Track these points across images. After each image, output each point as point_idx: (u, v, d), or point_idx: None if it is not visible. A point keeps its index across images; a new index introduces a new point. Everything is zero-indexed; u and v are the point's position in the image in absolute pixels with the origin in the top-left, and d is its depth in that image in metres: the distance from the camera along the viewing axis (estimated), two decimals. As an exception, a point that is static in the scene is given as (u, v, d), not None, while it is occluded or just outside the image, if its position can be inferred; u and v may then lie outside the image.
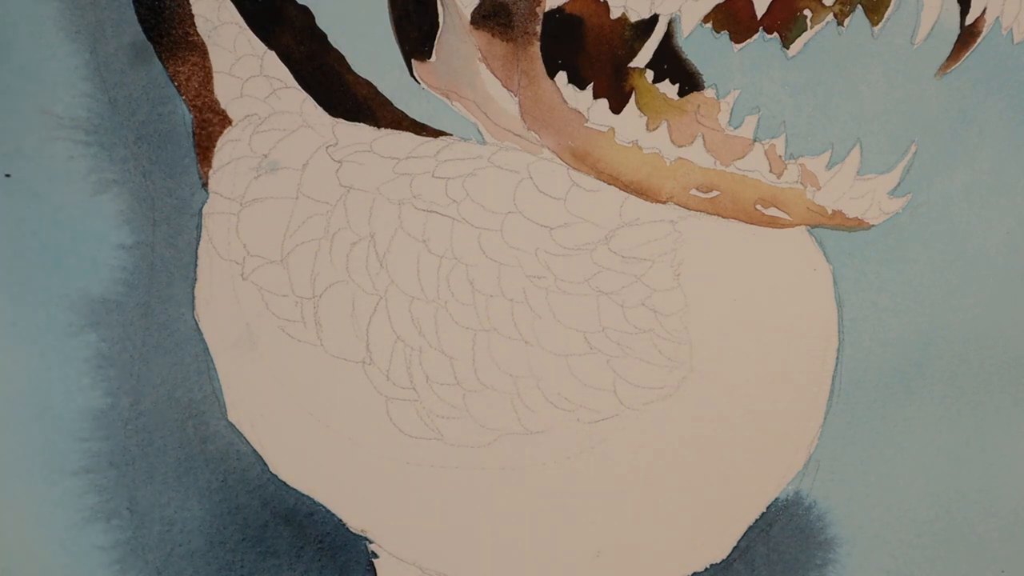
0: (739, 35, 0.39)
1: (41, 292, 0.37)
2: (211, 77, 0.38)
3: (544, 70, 0.39)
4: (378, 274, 0.39)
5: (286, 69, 0.38)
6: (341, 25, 0.38)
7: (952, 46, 0.40)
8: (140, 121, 0.38)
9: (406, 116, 0.39)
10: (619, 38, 0.39)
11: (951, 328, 0.42)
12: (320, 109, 0.38)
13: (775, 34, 0.39)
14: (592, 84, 0.39)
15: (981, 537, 0.41)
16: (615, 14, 0.38)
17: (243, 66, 0.38)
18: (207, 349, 0.38)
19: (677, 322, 0.40)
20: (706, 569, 0.42)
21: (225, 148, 0.38)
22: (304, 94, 0.38)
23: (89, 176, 0.37)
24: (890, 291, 0.42)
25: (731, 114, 0.40)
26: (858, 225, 0.41)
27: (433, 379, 0.39)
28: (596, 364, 0.40)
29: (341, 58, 0.38)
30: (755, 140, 0.40)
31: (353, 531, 0.40)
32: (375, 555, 0.40)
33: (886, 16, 0.40)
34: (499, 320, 0.39)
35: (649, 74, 0.39)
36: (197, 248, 0.38)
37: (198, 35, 0.38)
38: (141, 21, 0.37)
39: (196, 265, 0.38)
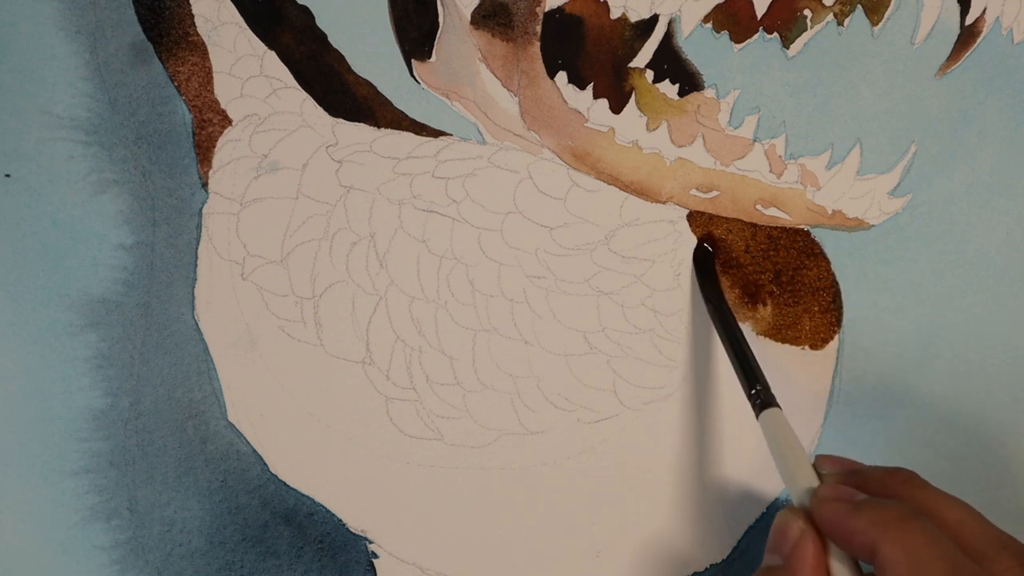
0: (739, 35, 0.39)
1: (41, 292, 0.37)
2: (211, 77, 0.38)
3: (544, 70, 0.39)
4: (378, 274, 0.39)
5: (286, 69, 0.38)
6: (341, 25, 0.38)
7: (952, 46, 0.40)
8: (140, 121, 0.38)
9: (406, 116, 0.39)
10: (619, 38, 0.39)
11: (951, 328, 0.42)
12: (320, 109, 0.38)
13: (775, 34, 0.39)
14: (592, 84, 0.39)
15: (981, 537, 0.41)
16: (615, 14, 0.38)
17: (243, 66, 0.38)
18: (207, 349, 0.38)
19: (677, 322, 0.40)
20: (706, 569, 0.42)
21: (225, 148, 0.38)
22: (304, 94, 0.38)
23: (89, 176, 0.37)
24: (890, 291, 0.42)
25: (731, 114, 0.40)
26: (858, 225, 0.41)
27: (433, 379, 0.39)
28: (596, 364, 0.40)
29: (341, 58, 0.38)
30: (755, 140, 0.40)
31: (353, 531, 0.40)
32: (375, 555, 0.40)
33: (886, 16, 0.40)
34: (499, 320, 0.39)
35: (649, 74, 0.39)
36: (197, 248, 0.38)
37: (198, 35, 0.38)
38: (141, 21, 0.37)
39: (196, 265, 0.38)
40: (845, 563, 0.29)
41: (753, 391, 0.35)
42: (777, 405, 0.34)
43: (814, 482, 0.32)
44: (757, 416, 0.34)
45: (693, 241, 0.40)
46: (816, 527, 0.30)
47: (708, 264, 0.40)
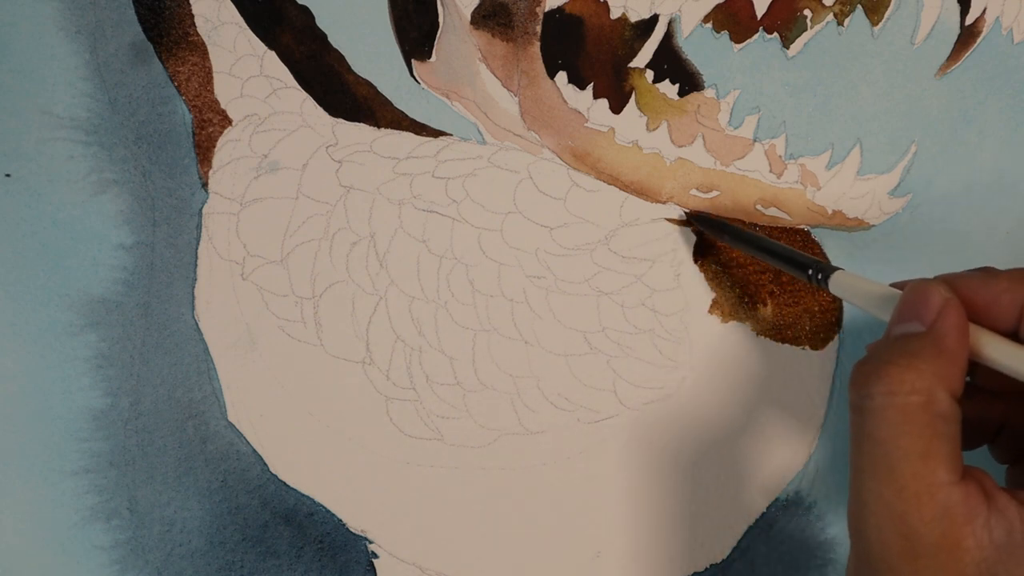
0: (739, 35, 0.39)
1: (41, 292, 0.37)
2: (211, 77, 0.38)
3: (544, 70, 0.39)
4: (378, 274, 0.39)
5: (286, 69, 0.38)
6: (341, 25, 0.38)
7: (952, 46, 0.40)
8: (140, 121, 0.38)
9: (406, 116, 0.39)
10: (619, 38, 0.39)
11: (951, 328, 0.42)
12: (320, 109, 0.38)
13: (775, 34, 0.39)
14: (592, 84, 0.39)
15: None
16: (615, 14, 0.38)
17: (243, 66, 0.38)
18: (207, 349, 0.38)
19: (677, 322, 0.40)
20: (706, 569, 0.42)
21: (225, 148, 0.38)
22: (304, 94, 0.38)
23: (89, 176, 0.37)
24: (890, 291, 0.42)
25: (731, 114, 0.40)
26: (858, 225, 0.41)
27: (433, 379, 0.39)
28: (596, 364, 0.40)
29: (341, 58, 0.38)
30: (755, 140, 0.40)
31: (353, 531, 0.40)
32: (375, 555, 0.40)
33: (886, 16, 0.40)
34: (499, 320, 0.39)
35: (649, 74, 0.39)
36: (197, 248, 0.38)
37: (198, 35, 0.38)
38: (141, 21, 0.37)
39: (196, 265, 0.38)
40: (996, 336, 0.28)
41: (810, 273, 0.34)
42: (837, 267, 0.33)
43: (888, 287, 0.31)
44: (828, 287, 0.33)
45: (692, 239, 0.40)
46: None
47: (705, 221, 0.40)
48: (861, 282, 0.32)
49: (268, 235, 0.39)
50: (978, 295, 0.29)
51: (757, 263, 0.41)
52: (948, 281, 0.29)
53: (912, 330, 0.28)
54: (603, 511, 0.41)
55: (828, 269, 0.33)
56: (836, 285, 0.33)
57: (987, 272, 0.29)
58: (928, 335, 0.28)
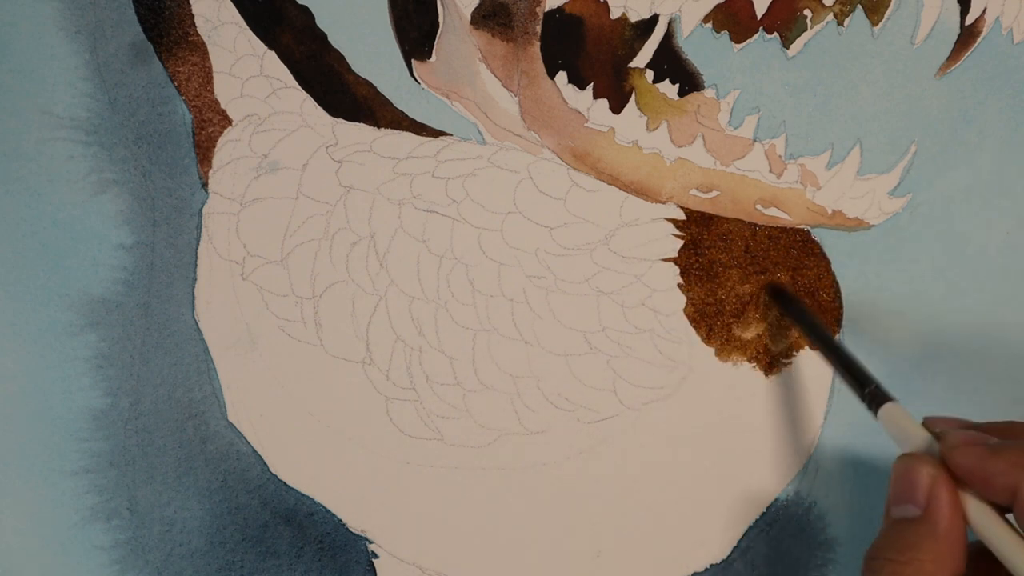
0: (739, 35, 0.39)
1: (41, 292, 0.37)
2: (211, 77, 0.38)
3: (544, 70, 0.39)
4: (378, 274, 0.39)
5: (286, 69, 0.38)
6: (341, 25, 0.38)
7: (952, 46, 0.40)
8: (140, 121, 0.38)
9: (406, 116, 0.39)
10: (619, 38, 0.39)
11: (951, 328, 0.42)
12: (320, 109, 0.38)
13: (775, 34, 0.39)
14: (592, 84, 0.39)
15: (981, 537, 0.41)
16: (615, 14, 0.38)
17: (243, 66, 0.38)
18: (207, 349, 0.38)
19: (677, 322, 0.40)
20: (706, 569, 0.42)
21: (225, 148, 0.38)
22: (304, 94, 0.38)
23: (89, 176, 0.37)
24: (890, 291, 0.42)
25: (731, 114, 0.40)
26: (858, 225, 0.41)
27: (433, 379, 0.39)
28: (596, 364, 0.40)
29: (341, 58, 0.38)
30: (755, 140, 0.40)
31: (353, 531, 0.40)
32: (375, 555, 0.40)
33: (886, 16, 0.40)
34: (499, 320, 0.39)
35: (649, 74, 0.39)
36: (197, 248, 0.38)
37: (198, 35, 0.38)
38: (141, 21, 0.37)
39: (196, 265, 0.38)
40: (982, 507, 0.29)
41: (865, 392, 0.35)
42: (891, 398, 0.34)
43: (930, 437, 0.31)
44: (876, 415, 0.34)
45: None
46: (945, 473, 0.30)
47: (784, 295, 0.40)
48: (904, 421, 0.33)
49: (268, 235, 0.39)
50: (975, 469, 0.29)
51: (757, 263, 0.41)
52: (949, 444, 0.30)
53: (908, 514, 0.30)
54: (603, 511, 0.41)
55: (883, 397, 0.34)
56: (884, 416, 0.34)
57: (995, 437, 0.30)
58: (923, 522, 0.29)
